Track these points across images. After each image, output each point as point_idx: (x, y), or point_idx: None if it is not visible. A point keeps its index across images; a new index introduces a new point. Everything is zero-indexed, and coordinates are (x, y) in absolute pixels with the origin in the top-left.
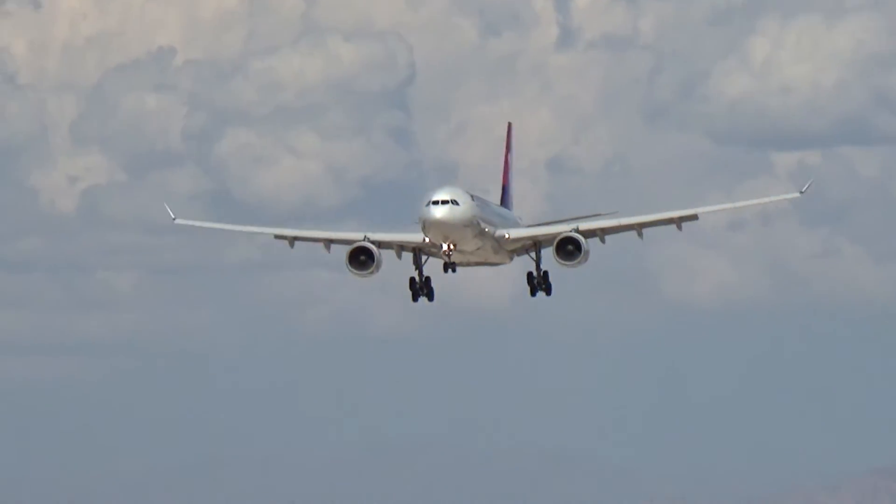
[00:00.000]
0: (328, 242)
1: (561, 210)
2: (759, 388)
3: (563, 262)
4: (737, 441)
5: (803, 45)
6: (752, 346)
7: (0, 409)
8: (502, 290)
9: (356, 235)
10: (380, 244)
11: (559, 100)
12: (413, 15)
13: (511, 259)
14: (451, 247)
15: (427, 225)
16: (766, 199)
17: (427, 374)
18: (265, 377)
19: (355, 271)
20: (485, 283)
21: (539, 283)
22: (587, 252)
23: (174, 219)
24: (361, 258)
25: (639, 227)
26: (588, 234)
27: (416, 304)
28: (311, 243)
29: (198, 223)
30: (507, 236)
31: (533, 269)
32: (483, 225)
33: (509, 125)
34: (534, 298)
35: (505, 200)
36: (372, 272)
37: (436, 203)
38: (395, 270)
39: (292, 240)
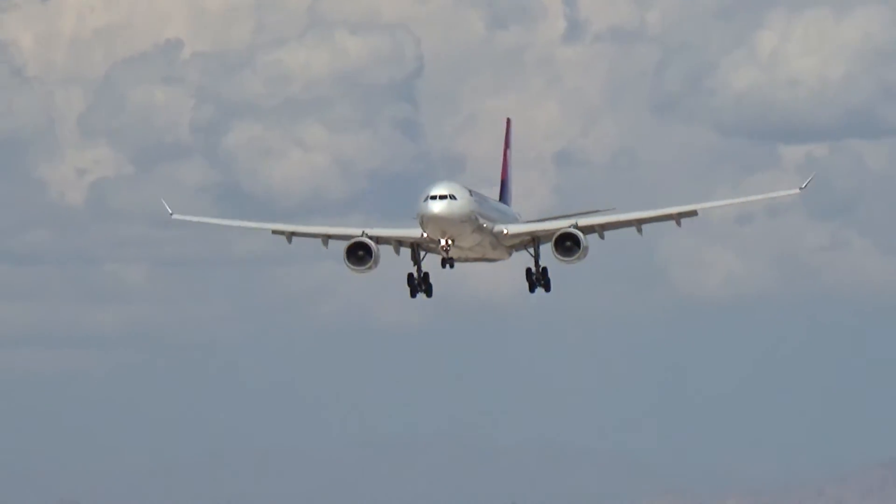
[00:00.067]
0: (326, 238)
1: (568, 203)
2: (766, 380)
3: (561, 258)
4: (745, 433)
5: (811, 38)
6: (760, 338)
7: (8, 401)
8: (504, 285)
9: (354, 231)
10: (378, 239)
11: (566, 93)
12: (420, 7)
13: (510, 255)
14: (449, 242)
15: (425, 220)
16: (766, 196)
17: (432, 369)
18: (273, 370)
19: (353, 267)
20: (485, 279)
21: (538, 279)
22: (586, 248)
23: (171, 214)
24: (359, 253)
25: (638, 223)
26: (587, 229)
27: (414, 299)
28: (309, 238)
29: (195, 218)
30: (505, 232)
31: (532, 265)
32: (481, 220)
33: (508, 121)
34: (533, 294)
35: (504, 196)
36: (370, 268)
37: (433, 198)
38: (395, 266)
39: (290, 235)
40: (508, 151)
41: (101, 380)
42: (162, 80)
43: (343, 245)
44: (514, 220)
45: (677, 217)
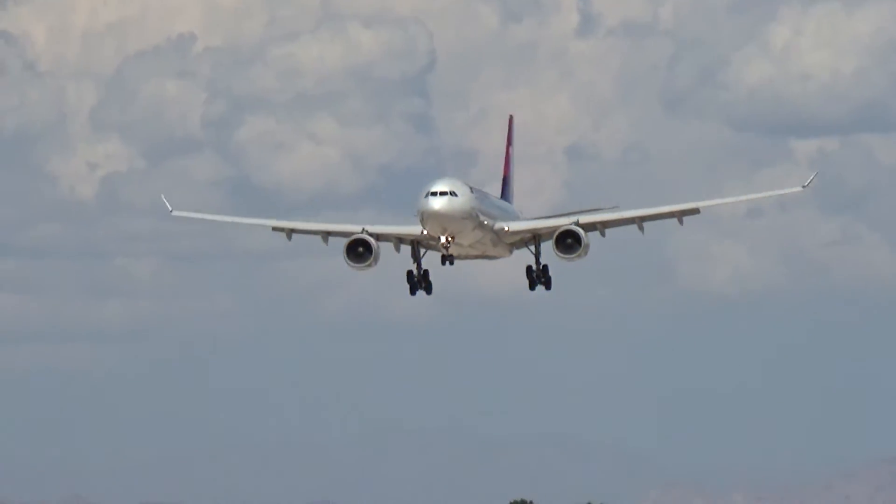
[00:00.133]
0: (326, 234)
1: (579, 197)
2: (773, 376)
3: (562, 255)
4: (752, 428)
5: (823, 32)
6: (768, 333)
7: (17, 394)
8: (505, 283)
9: (354, 228)
10: (378, 237)
11: (578, 87)
12: (433, 2)
13: (510, 252)
14: (450, 239)
15: (425, 216)
16: (769, 194)
17: (435, 365)
18: (278, 365)
19: (353, 264)
20: (487, 276)
21: (538, 276)
22: (587, 246)
23: (171, 211)
24: (359, 250)
25: (639, 221)
26: (588, 227)
27: (413, 297)
28: (309, 236)
29: (195, 215)
30: (506, 229)
31: (532, 262)
32: (482, 217)
33: (511, 117)
34: (533, 292)
35: (505, 193)
36: (370, 265)
37: (434, 194)
38: (398, 263)
39: (290, 232)
40: (511, 148)
41: (111, 373)
42: (174, 75)
43: (343, 242)
44: (516, 218)
45: (679, 215)
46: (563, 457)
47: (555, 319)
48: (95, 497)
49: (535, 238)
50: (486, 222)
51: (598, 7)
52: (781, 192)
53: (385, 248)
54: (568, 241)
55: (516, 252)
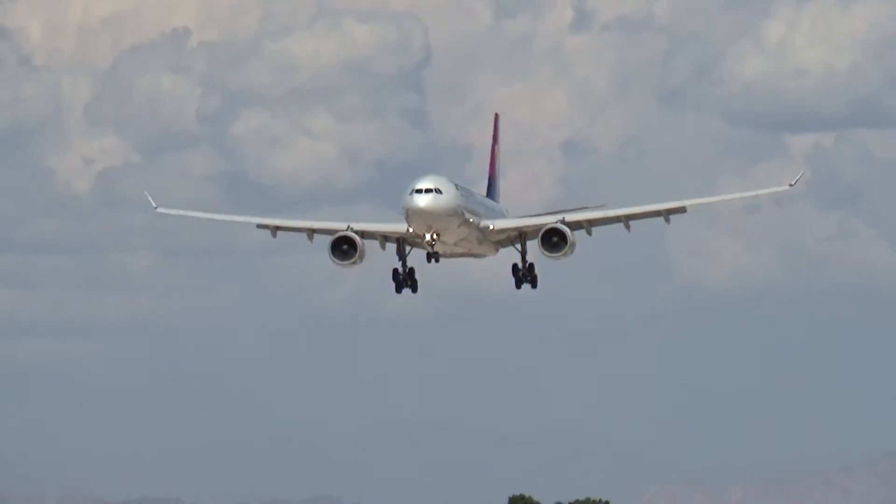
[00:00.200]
0: (311, 232)
1: (574, 192)
2: (773, 372)
3: (548, 253)
4: (752, 422)
5: (818, 28)
6: (767, 328)
7: (15, 389)
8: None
9: (339, 225)
10: (363, 234)
11: (574, 82)
12: None
13: (496, 251)
14: (435, 236)
15: (410, 213)
16: (755, 193)
17: (436, 360)
18: (279, 360)
19: (337, 261)
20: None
21: (524, 275)
22: (573, 244)
23: (155, 208)
24: (344, 248)
25: (626, 220)
26: (574, 225)
27: (399, 295)
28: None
29: (179, 212)
30: (491, 227)
31: (518, 261)
32: (467, 215)
33: (496, 116)
34: (519, 290)
35: (491, 192)
36: (354, 262)
37: (419, 191)
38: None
39: (275, 229)
40: (496, 147)
41: (108, 367)
42: (169, 69)
43: (328, 239)
44: (501, 216)
45: (665, 213)
46: (563, 452)
47: (554, 317)
48: (95, 491)
49: (520, 236)
50: (471, 220)
51: (593, 2)
52: (768, 191)
53: (371, 247)
54: (554, 240)
55: (502, 250)
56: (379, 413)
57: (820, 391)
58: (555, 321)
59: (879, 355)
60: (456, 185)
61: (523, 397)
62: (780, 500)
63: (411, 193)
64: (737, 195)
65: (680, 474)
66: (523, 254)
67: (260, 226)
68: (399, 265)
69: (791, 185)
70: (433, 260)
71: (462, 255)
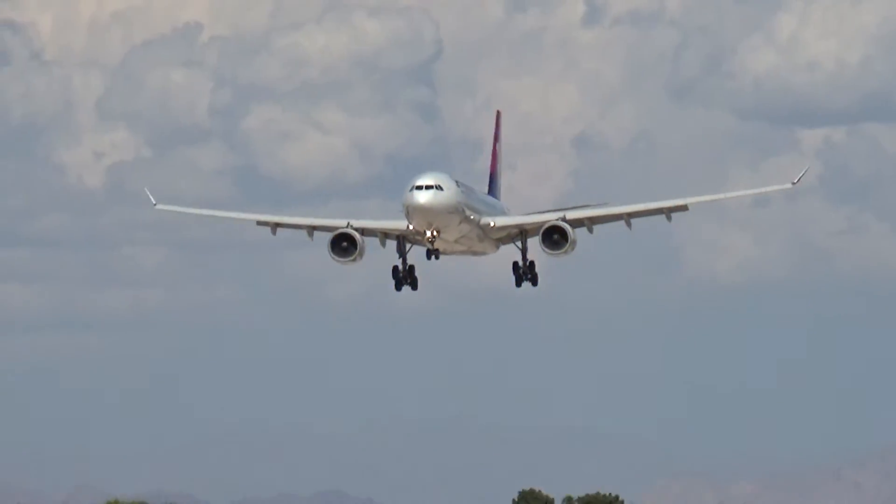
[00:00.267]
0: (311, 229)
1: (585, 186)
2: (783, 366)
3: (549, 251)
4: (760, 417)
5: (829, 22)
6: (776, 323)
7: (25, 384)
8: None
9: (339, 222)
10: (363, 231)
11: (585, 76)
12: None
13: (497, 248)
14: (435, 233)
15: (411, 210)
16: (757, 191)
17: (446, 356)
18: (285, 355)
19: (337, 258)
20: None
21: (525, 272)
22: (574, 241)
23: (154, 204)
24: (344, 245)
25: (627, 217)
26: (575, 223)
27: (399, 292)
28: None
29: (178, 209)
30: (492, 224)
31: (519, 258)
32: (468, 212)
33: (498, 113)
34: (520, 288)
35: (492, 189)
36: (354, 259)
37: (419, 188)
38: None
39: (274, 226)
40: (498, 144)
41: (116, 362)
42: (180, 64)
43: (328, 236)
44: (502, 213)
45: (667, 211)
46: (572, 448)
47: (563, 314)
48: (103, 487)
49: (521, 234)
50: (472, 217)
51: None
52: (772, 188)
53: (371, 244)
54: (555, 237)
55: (503, 248)
56: (388, 409)
57: (829, 386)
58: (564, 318)
59: (888, 350)
60: (456, 182)
61: (532, 393)
62: (789, 495)
63: (411, 190)
64: (739, 193)
65: (688, 469)
66: (524, 251)
67: (260, 223)
68: (399, 262)
69: (794, 184)
70: (433, 257)
71: (462, 252)
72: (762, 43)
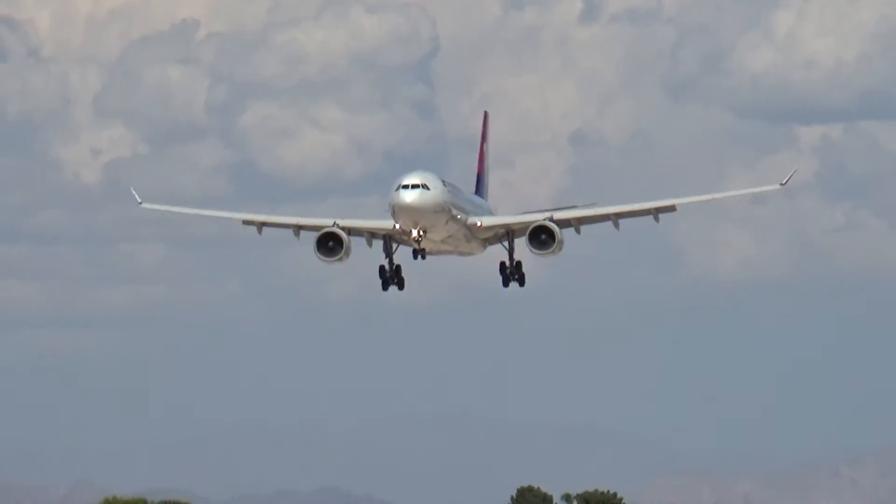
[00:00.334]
0: (297, 228)
1: (583, 183)
2: (781, 364)
3: (536, 251)
4: (760, 414)
5: (827, 20)
6: (775, 321)
7: (24, 380)
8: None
9: (325, 221)
10: (350, 230)
11: (582, 74)
12: None
13: (484, 248)
14: (421, 233)
15: (397, 209)
16: (746, 191)
17: (444, 354)
18: (286, 351)
19: (323, 258)
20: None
21: (512, 273)
22: (561, 241)
23: (140, 203)
24: (330, 244)
25: (615, 218)
26: (563, 223)
27: (386, 292)
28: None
29: (164, 207)
30: (479, 224)
31: (506, 258)
32: (454, 211)
33: (485, 114)
34: (506, 289)
35: (479, 189)
36: (341, 259)
37: (406, 187)
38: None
39: (260, 225)
40: (485, 145)
41: (117, 358)
42: (177, 60)
43: (314, 236)
44: (489, 213)
45: (655, 212)
46: (571, 444)
47: (563, 312)
48: (104, 482)
49: (508, 234)
50: (458, 216)
51: None
52: (760, 189)
53: (357, 243)
54: (542, 237)
55: (489, 248)
56: (387, 406)
57: (828, 385)
58: (556, 317)
59: (887, 348)
60: (443, 182)
61: (531, 390)
62: (788, 492)
63: (398, 189)
64: (727, 194)
65: (688, 466)
66: (511, 251)
67: (246, 222)
68: (386, 262)
69: (782, 185)
70: (420, 257)
71: (449, 252)
72: (760, 41)
